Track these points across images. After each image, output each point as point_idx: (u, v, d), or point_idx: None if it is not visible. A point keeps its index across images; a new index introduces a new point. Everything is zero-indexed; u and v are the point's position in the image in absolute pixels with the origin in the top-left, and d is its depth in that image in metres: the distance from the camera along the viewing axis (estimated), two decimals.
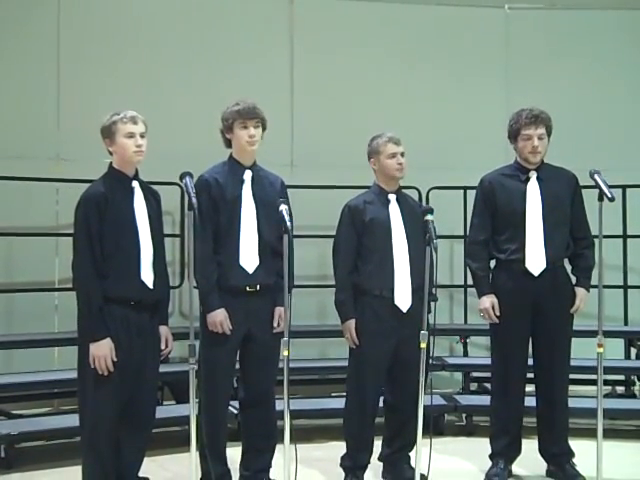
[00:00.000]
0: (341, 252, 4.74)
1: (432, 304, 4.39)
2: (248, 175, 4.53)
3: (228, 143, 4.57)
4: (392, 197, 4.75)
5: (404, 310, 4.63)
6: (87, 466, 4.13)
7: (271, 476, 4.60)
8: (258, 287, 4.45)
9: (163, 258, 4.32)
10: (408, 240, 4.67)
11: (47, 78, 6.86)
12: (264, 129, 4.54)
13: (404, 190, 4.90)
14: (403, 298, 4.63)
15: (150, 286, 4.12)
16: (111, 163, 4.20)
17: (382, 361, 4.68)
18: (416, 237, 4.56)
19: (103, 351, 3.98)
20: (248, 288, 4.44)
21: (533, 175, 4.87)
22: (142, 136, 4.13)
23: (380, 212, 4.71)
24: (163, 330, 4.24)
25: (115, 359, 4.00)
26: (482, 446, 5.09)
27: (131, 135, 4.11)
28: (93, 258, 4.02)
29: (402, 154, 4.73)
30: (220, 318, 4.37)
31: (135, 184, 4.17)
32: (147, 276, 4.11)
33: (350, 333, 4.67)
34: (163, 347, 4.23)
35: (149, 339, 4.15)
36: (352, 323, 4.67)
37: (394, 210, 4.73)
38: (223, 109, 4.54)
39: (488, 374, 5.31)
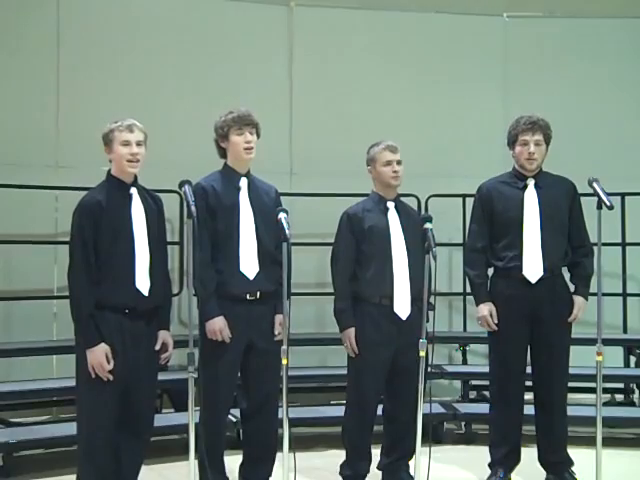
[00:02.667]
0: (340, 260, 4.74)
1: (430, 313, 4.38)
2: (244, 182, 4.53)
3: (222, 153, 4.57)
4: (391, 205, 4.75)
5: (403, 318, 4.62)
6: (83, 473, 4.12)
7: None
8: (258, 294, 4.45)
9: (164, 264, 4.31)
10: (407, 248, 4.67)
11: (46, 85, 6.85)
12: (258, 136, 4.54)
13: (403, 198, 4.90)
14: (402, 306, 4.62)
15: (145, 293, 4.10)
16: (109, 170, 4.21)
17: (381, 369, 4.67)
18: (415, 245, 4.56)
19: (97, 358, 3.98)
20: (249, 296, 4.43)
21: (531, 182, 4.88)
22: (138, 144, 4.13)
23: (379, 220, 4.71)
24: (163, 334, 4.23)
25: (111, 365, 3.99)
26: (481, 454, 5.08)
27: (126, 143, 4.11)
28: (86, 266, 4.02)
29: (398, 162, 4.73)
30: (219, 326, 4.36)
31: (133, 190, 4.17)
32: (142, 283, 4.10)
33: (349, 341, 4.66)
34: (158, 348, 4.19)
35: (145, 346, 4.14)
36: (351, 332, 4.66)
37: (393, 218, 4.73)
38: (216, 119, 4.53)
39: (487, 382, 5.31)
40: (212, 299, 4.39)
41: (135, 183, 4.20)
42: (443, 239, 6.46)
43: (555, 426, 4.88)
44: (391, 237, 4.69)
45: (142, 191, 4.23)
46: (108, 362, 3.99)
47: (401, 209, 4.80)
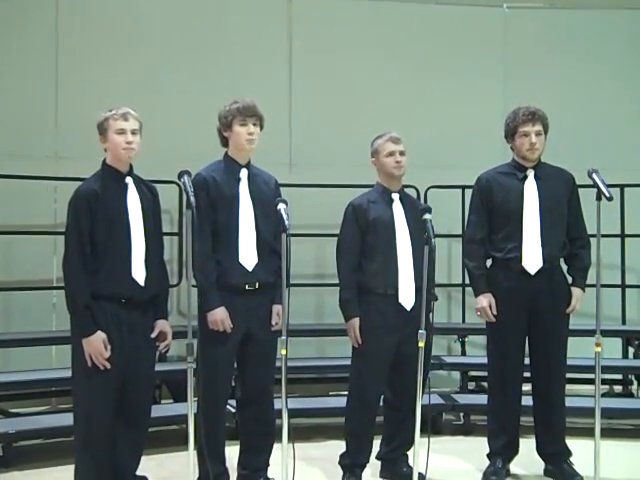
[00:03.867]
0: (345, 251, 4.75)
1: (432, 303, 4.38)
2: (244, 173, 4.53)
3: (225, 142, 4.57)
4: (395, 196, 4.77)
5: (408, 308, 4.63)
6: (81, 464, 4.12)
7: (269, 475, 4.61)
8: (257, 285, 4.45)
9: (160, 254, 4.30)
10: (412, 239, 4.68)
11: (45, 76, 6.85)
12: (261, 128, 4.54)
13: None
14: (407, 296, 4.64)
15: (141, 283, 4.10)
16: (105, 160, 4.19)
17: (385, 360, 4.69)
18: (419, 236, 4.53)
19: (94, 346, 3.98)
20: (247, 287, 4.44)
21: (530, 173, 4.88)
22: (133, 133, 4.11)
23: (384, 211, 4.72)
24: (161, 324, 4.22)
25: (108, 353, 3.99)
26: (480, 445, 5.09)
27: (121, 131, 4.09)
28: (82, 256, 4.01)
29: (401, 153, 4.74)
30: (221, 316, 4.37)
31: (129, 180, 4.15)
32: (138, 273, 4.10)
33: (354, 331, 4.67)
34: (154, 336, 4.19)
35: (142, 336, 4.13)
36: (356, 322, 4.67)
37: (397, 209, 4.74)
38: (221, 108, 4.54)
39: (486, 373, 5.31)
40: (213, 290, 4.39)
41: (130, 173, 4.19)
42: (442, 230, 6.46)
43: (553, 417, 4.89)
44: (396, 228, 4.70)
45: (137, 181, 4.22)
46: (105, 349, 3.99)
47: (406, 201, 4.81)
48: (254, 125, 4.49)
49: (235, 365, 4.58)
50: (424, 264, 4.23)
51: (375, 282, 4.68)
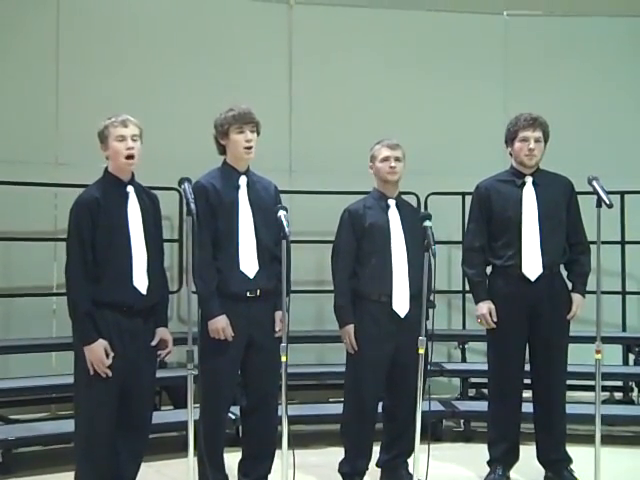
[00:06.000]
0: (340, 256, 4.74)
1: (430, 311, 4.38)
2: (243, 181, 4.52)
3: (222, 150, 4.56)
4: (392, 202, 4.76)
5: (402, 315, 4.63)
6: (81, 471, 4.12)
7: None
8: (259, 292, 4.44)
9: (161, 262, 4.30)
10: (407, 246, 4.67)
11: (46, 82, 6.85)
12: (258, 134, 4.53)
13: (402, 196, 4.90)
14: (401, 303, 4.63)
15: (143, 292, 4.09)
16: (107, 168, 4.19)
17: (381, 366, 4.67)
18: (415, 243, 4.56)
19: (96, 354, 3.97)
20: (249, 294, 4.43)
21: (529, 180, 4.88)
22: (134, 139, 4.10)
23: (380, 217, 4.72)
24: (161, 331, 4.22)
25: (110, 361, 3.98)
26: (480, 452, 5.09)
27: (121, 138, 4.09)
28: (83, 264, 4.01)
29: (397, 159, 4.72)
30: (222, 325, 4.36)
31: (130, 189, 4.15)
32: (140, 282, 4.09)
33: (349, 338, 4.66)
34: (154, 344, 4.18)
35: (143, 344, 4.13)
36: (351, 328, 4.66)
37: (393, 215, 4.73)
38: (216, 116, 4.53)
39: (486, 380, 5.31)
40: (214, 298, 4.38)
41: (132, 181, 4.19)
42: (442, 237, 6.45)
43: (554, 424, 4.88)
44: (391, 235, 4.69)
45: (139, 189, 4.21)
46: (107, 357, 3.99)
47: (402, 207, 4.80)
48: (251, 132, 4.48)
49: (239, 373, 4.57)
50: (424, 271, 4.22)
51: (369, 288, 4.67)
